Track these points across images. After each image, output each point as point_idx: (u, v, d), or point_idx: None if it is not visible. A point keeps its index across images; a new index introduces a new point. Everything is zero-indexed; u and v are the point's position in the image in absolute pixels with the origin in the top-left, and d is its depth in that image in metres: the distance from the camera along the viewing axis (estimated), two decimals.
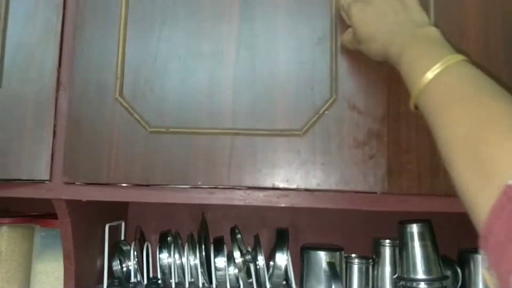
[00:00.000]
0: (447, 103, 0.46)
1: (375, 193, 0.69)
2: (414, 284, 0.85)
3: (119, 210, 1.01)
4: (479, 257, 0.94)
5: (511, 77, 0.68)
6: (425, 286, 0.84)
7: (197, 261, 0.89)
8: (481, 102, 0.43)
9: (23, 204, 0.90)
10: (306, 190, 0.69)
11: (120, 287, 0.86)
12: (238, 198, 0.69)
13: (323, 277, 0.90)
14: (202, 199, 0.70)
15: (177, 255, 0.90)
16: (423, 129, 0.67)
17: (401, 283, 0.87)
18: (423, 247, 0.86)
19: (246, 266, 0.89)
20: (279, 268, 0.88)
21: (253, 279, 0.89)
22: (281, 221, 1.05)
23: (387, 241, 0.95)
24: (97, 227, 0.87)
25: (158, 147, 0.69)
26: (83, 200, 0.72)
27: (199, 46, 0.72)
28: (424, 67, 0.49)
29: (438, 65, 0.48)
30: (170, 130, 0.70)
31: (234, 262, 0.87)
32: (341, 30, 0.70)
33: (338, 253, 0.91)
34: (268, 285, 0.88)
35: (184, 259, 0.90)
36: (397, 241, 0.91)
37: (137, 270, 0.91)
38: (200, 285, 0.89)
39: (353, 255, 0.97)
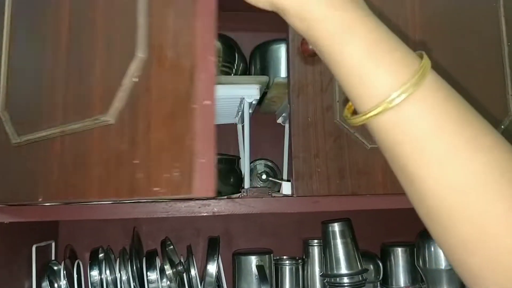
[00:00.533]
0: (420, 148, 0.35)
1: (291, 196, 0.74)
2: (338, 279, 0.91)
3: (48, 230, 1.00)
4: (399, 250, 1.03)
5: None
6: (347, 280, 0.90)
7: (130, 275, 0.90)
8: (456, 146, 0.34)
9: None
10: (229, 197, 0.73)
11: None
12: (160, 210, 0.72)
13: (254, 280, 0.93)
14: (126, 213, 0.71)
15: (108, 271, 0.90)
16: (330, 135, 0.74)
17: (326, 279, 0.93)
18: (344, 244, 0.92)
19: (179, 277, 0.91)
20: (211, 276, 0.91)
21: None
22: (215, 229, 1.08)
23: (315, 241, 1.01)
24: (23, 248, 0.85)
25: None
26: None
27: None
28: (384, 84, 0.35)
29: (405, 87, 0.34)
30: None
31: (166, 275, 0.89)
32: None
33: (267, 256, 0.95)
34: None
35: (116, 274, 0.90)
36: None
37: None
38: None
39: (284, 256, 1.02)
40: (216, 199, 0.74)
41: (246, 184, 0.81)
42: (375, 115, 0.36)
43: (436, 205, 0.36)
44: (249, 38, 1.11)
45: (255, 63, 0.99)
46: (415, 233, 1.00)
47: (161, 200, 0.71)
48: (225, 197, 0.77)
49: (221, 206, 0.73)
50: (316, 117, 0.74)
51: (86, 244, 1.05)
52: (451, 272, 0.90)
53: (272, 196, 0.75)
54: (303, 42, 0.74)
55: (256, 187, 0.90)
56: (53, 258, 0.97)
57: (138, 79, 0.41)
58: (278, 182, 0.90)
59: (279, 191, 0.90)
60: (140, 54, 0.41)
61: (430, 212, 0.37)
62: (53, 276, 0.92)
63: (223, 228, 1.08)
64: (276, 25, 1.10)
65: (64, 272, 0.89)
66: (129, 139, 0.41)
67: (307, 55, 0.74)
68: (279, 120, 1.09)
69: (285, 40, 0.97)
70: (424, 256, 0.94)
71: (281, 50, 0.97)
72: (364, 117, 0.36)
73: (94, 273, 0.90)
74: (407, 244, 1.02)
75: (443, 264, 0.91)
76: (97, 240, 1.04)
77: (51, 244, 0.96)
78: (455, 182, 0.34)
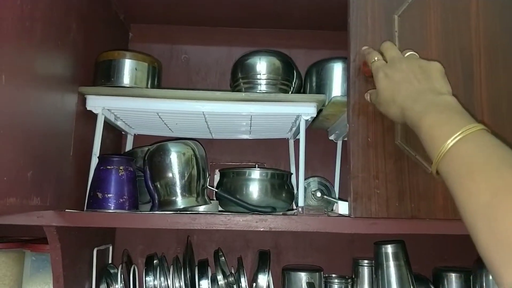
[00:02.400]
0: (468, 172, 0.48)
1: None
2: None
3: (107, 234, 1.04)
4: (453, 276, 0.99)
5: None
6: None
7: (182, 283, 0.93)
8: (501, 172, 0.45)
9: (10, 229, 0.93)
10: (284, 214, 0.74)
11: None
12: (219, 223, 0.74)
13: None
14: (186, 224, 0.74)
15: (162, 278, 0.93)
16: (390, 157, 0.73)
17: None
18: (397, 266, 0.91)
19: None
20: None
21: None
22: (265, 243, 1.09)
23: (366, 261, 1.00)
24: (85, 251, 0.90)
25: None
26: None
27: None
28: (444, 135, 0.52)
29: (459, 133, 0.51)
30: None
31: (218, 284, 0.91)
32: None
33: (317, 273, 0.95)
34: None
35: (169, 282, 0.93)
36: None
37: None
38: None
39: (333, 275, 1.01)
40: (272, 214, 0.75)
41: (301, 202, 0.82)
42: (439, 159, 0.52)
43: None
44: (302, 55, 1.13)
45: (310, 80, 1.00)
46: (468, 259, 0.97)
47: (220, 213, 0.73)
48: (281, 213, 0.78)
49: (278, 222, 0.74)
50: (376, 138, 0.74)
51: (140, 250, 1.09)
52: None
53: (328, 216, 0.75)
54: (364, 63, 0.75)
55: (310, 205, 0.90)
56: (110, 261, 1.01)
57: None
58: (333, 201, 0.90)
59: (332, 209, 0.90)
60: None
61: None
62: (110, 279, 0.96)
63: (273, 242, 1.09)
64: (329, 43, 1.12)
65: (122, 276, 0.93)
66: None
67: (368, 76, 0.75)
68: (332, 137, 1.09)
69: (340, 58, 0.98)
70: (482, 283, 0.91)
71: (336, 69, 0.98)
72: (434, 163, 0.54)
73: (149, 278, 0.93)
74: (462, 270, 0.99)
75: None
76: (151, 246, 1.08)
77: (109, 248, 1.01)
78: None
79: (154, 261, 0.96)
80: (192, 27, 1.17)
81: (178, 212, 0.77)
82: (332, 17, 0.98)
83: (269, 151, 1.14)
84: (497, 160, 0.47)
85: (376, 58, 0.70)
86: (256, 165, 0.98)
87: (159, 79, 0.90)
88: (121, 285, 0.93)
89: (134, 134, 1.09)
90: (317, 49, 1.16)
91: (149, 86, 0.87)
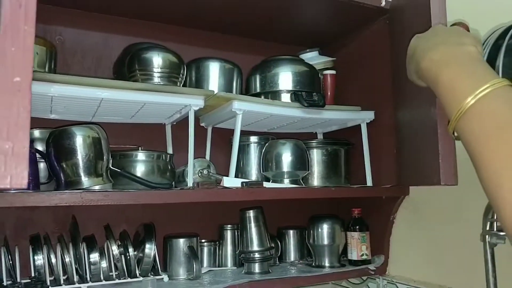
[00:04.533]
0: (498, 127, 0.44)
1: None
2: (251, 255, 1.14)
3: None
4: (291, 232, 1.31)
5: None
6: (259, 255, 1.14)
7: (72, 259, 0.98)
8: None
9: None
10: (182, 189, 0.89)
11: None
12: (129, 198, 0.84)
13: (183, 259, 1.10)
14: (99, 200, 0.82)
15: (52, 255, 0.96)
16: None
17: (241, 256, 1.16)
18: (257, 227, 1.16)
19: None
20: (148, 256, 1.05)
21: (124, 268, 1.03)
22: (143, 219, 1.20)
23: (229, 225, 1.23)
24: None
25: None
26: None
27: None
28: (466, 90, 0.48)
29: (484, 87, 0.46)
30: None
31: (105, 256, 1.00)
32: None
33: (194, 238, 1.13)
34: (138, 272, 1.04)
35: (58, 259, 0.97)
36: (237, 225, 1.20)
37: (8, 273, 0.94)
38: (76, 279, 0.98)
39: (203, 240, 1.21)
40: (172, 190, 0.90)
41: (191, 179, 0.98)
42: (459, 115, 0.48)
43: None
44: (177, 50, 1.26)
45: (190, 74, 1.16)
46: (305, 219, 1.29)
47: (128, 190, 0.84)
48: (179, 188, 0.93)
49: (180, 196, 0.89)
50: None
51: (14, 232, 1.07)
52: (333, 247, 1.21)
53: (218, 189, 0.94)
54: None
55: (204, 181, 1.07)
56: None
57: None
58: (217, 177, 1.09)
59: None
60: None
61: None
62: None
63: (151, 217, 1.21)
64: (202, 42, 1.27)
65: (5, 258, 0.93)
66: None
67: None
68: (202, 124, 1.28)
69: (216, 58, 1.17)
70: (313, 236, 1.24)
71: (213, 66, 1.16)
72: (454, 119, 0.49)
73: (38, 257, 0.95)
74: (298, 227, 1.32)
75: (326, 241, 1.22)
76: (27, 228, 1.07)
77: None
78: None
79: (41, 241, 0.98)
80: (67, 9, 1.17)
81: (89, 190, 0.85)
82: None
83: (145, 135, 1.24)
84: None
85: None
86: (140, 148, 1.09)
87: (55, 63, 0.92)
88: (5, 267, 0.93)
89: None
90: (187, 45, 1.31)
91: (46, 70, 0.89)
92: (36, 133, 0.96)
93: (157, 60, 0.99)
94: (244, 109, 1.04)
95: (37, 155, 0.87)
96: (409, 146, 1.08)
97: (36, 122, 1.04)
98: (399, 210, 1.25)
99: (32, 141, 0.85)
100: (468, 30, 0.69)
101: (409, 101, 1.08)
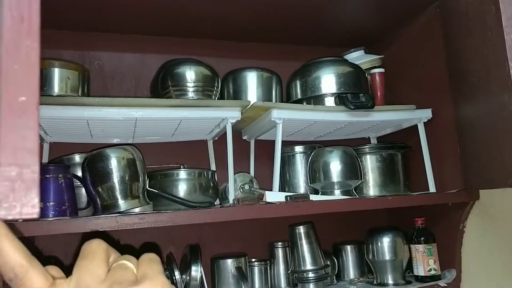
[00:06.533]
0: None
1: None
2: (305, 274, 1.06)
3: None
4: (348, 247, 1.21)
5: None
6: (313, 275, 1.05)
7: None
8: None
9: None
10: (222, 206, 0.84)
11: None
12: (166, 220, 0.80)
13: (231, 281, 1.04)
14: (134, 224, 0.79)
15: None
16: None
17: (294, 275, 1.07)
18: (309, 244, 1.07)
19: None
20: (195, 279, 1.00)
21: None
22: (188, 238, 1.16)
23: (279, 243, 1.15)
24: None
25: None
26: None
27: None
28: None
29: None
30: None
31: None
32: None
33: (243, 258, 1.07)
34: None
35: None
36: (288, 242, 1.12)
37: None
38: None
39: (253, 259, 1.14)
40: (211, 208, 0.85)
41: (232, 195, 0.93)
42: None
43: None
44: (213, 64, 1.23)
45: (227, 86, 1.12)
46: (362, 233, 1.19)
47: (165, 211, 0.80)
48: (219, 206, 0.88)
49: (220, 214, 0.84)
50: None
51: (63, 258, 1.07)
52: (395, 262, 1.10)
53: (260, 204, 0.88)
54: None
55: (244, 197, 1.01)
56: None
57: None
58: (260, 192, 1.03)
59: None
60: None
61: None
62: None
63: (197, 236, 1.17)
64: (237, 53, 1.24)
65: None
66: None
67: None
68: (245, 137, 1.22)
69: (253, 68, 1.12)
70: (372, 251, 1.13)
71: (251, 77, 1.11)
72: None
73: None
74: (355, 242, 1.21)
75: (387, 256, 1.11)
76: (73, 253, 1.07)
77: None
78: None
79: None
80: (104, 33, 1.18)
81: (124, 214, 0.82)
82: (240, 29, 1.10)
83: (188, 153, 1.21)
84: None
85: None
86: (181, 166, 1.05)
87: (88, 87, 0.92)
88: None
89: (50, 142, 1.07)
90: (226, 58, 1.27)
91: (80, 94, 0.89)
92: (77, 158, 0.96)
93: (189, 74, 0.96)
94: (284, 118, 0.97)
95: (74, 180, 0.85)
96: (477, 144, 0.95)
97: (78, 147, 1.05)
98: (469, 217, 1.10)
99: (69, 166, 0.84)
100: None
101: (472, 93, 0.96)
